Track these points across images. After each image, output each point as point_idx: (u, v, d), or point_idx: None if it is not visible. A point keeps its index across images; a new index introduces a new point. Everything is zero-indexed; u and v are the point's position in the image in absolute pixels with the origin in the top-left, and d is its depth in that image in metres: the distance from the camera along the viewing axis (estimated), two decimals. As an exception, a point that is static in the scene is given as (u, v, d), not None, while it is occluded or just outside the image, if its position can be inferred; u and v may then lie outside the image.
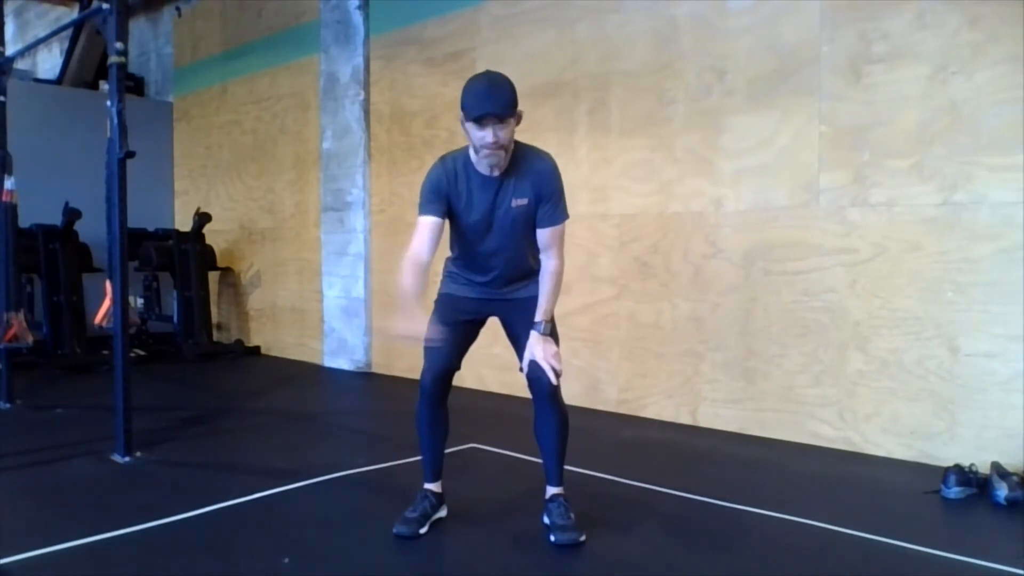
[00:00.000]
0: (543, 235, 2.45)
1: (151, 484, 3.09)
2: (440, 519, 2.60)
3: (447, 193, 2.43)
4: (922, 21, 3.30)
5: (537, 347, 2.41)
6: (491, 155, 2.33)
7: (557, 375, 2.41)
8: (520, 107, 2.35)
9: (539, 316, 2.43)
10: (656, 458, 3.53)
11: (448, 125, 5.23)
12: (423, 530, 2.52)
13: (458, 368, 2.57)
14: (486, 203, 2.43)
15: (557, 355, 2.43)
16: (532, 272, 2.52)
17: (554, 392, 2.46)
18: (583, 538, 2.41)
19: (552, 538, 2.43)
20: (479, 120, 2.28)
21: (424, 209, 2.43)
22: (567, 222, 2.48)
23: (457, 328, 2.54)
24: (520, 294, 2.55)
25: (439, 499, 2.63)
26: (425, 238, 2.41)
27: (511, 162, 2.40)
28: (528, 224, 2.46)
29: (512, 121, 2.32)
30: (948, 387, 3.25)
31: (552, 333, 2.46)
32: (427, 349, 2.49)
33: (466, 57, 5.08)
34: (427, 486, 2.61)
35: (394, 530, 2.49)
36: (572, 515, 2.48)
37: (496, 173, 2.40)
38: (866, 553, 2.39)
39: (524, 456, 3.26)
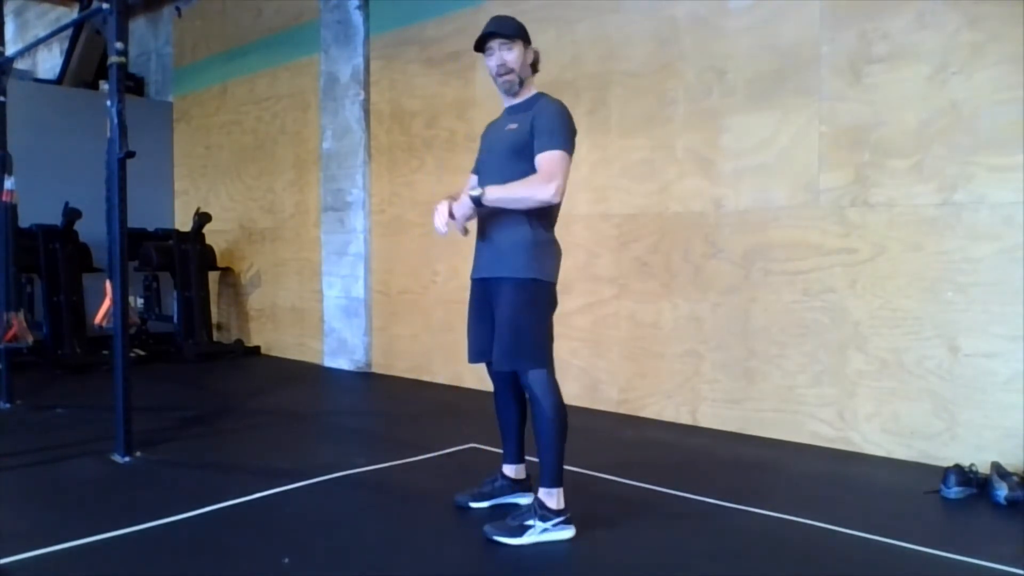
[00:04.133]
0: (536, 164, 2.45)
1: (151, 484, 3.09)
2: (517, 504, 2.65)
3: (481, 145, 2.76)
4: (922, 21, 3.30)
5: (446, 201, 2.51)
6: (503, 81, 2.57)
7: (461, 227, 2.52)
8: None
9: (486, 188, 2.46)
10: (656, 458, 3.52)
11: (448, 125, 5.23)
12: (475, 505, 2.74)
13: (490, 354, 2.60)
14: (495, 133, 2.66)
15: (451, 214, 2.48)
16: (513, 236, 2.49)
17: (528, 383, 2.49)
18: (500, 539, 2.43)
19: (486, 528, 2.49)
20: (486, 48, 2.56)
21: None
22: (564, 156, 2.43)
23: (474, 313, 2.67)
24: (494, 276, 2.54)
25: (511, 483, 2.76)
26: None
27: (527, 102, 2.59)
28: (514, 154, 2.49)
29: (518, 46, 2.55)
30: (948, 387, 3.26)
31: (477, 203, 2.43)
32: None
33: (466, 57, 5.07)
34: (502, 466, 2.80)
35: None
36: (516, 522, 2.46)
37: (513, 103, 2.62)
38: (866, 553, 2.39)
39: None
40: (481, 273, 2.63)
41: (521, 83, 2.59)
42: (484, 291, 2.62)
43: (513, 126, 2.54)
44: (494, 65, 2.57)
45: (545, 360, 2.50)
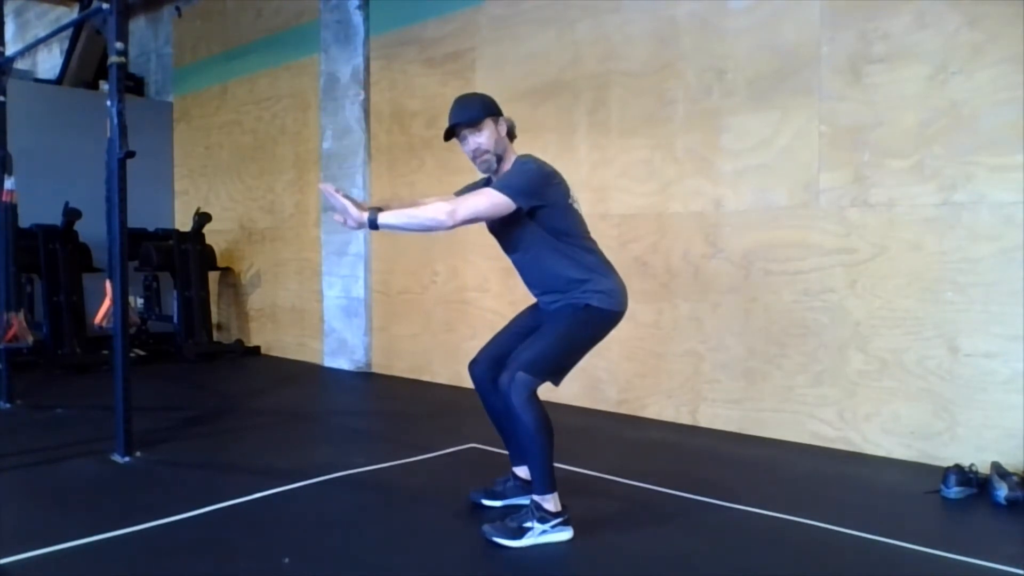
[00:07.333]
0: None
1: (151, 484, 3.09)
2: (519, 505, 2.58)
3: (476, 189, 2.66)
4: (922, 21, 3.30)
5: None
6: (479, 163, 2.59)
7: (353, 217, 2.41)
8: (509, 111, 2.54)
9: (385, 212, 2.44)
10: (656, 458, 3.53)
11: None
12: (488, 503, 2.75)
13: (499, 357, 2.57)
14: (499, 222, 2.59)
15: (345, 214, 2.41)
16: (565, 286, 2.52)
17: (508, 391, 2.41)
18: (498, 541, 2.42)
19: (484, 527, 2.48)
20: (456, 135, 2.57)
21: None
22: (502, 200, 2.40)
23: (511, 325, 2.72)
24: (552, 307, 2.58)
25: (522, 483, 2.70)
26: (445, 197, 2.66)
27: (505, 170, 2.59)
28: (518, 224, 2.51)
29: (485, 126, 2.53)
30: (948, 387, 3.25)
31: (373, 222, 2.39)
32: None
33: (466, 57, 5.08)
34: None
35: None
36: (515, 524, 2.45)
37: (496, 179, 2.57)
38: (866, 553, 2.39)
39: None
40: (542, 307, 2.67)
41: (499, 159, 2.57)
42: (535, 321, 2.64)
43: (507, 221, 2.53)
44: (469, 151, 2.56)
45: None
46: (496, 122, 2.55)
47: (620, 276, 2.62)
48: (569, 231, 2.54)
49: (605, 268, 2.59)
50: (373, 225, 2.41)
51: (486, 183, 2.63)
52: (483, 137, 2.52)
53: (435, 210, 2.40)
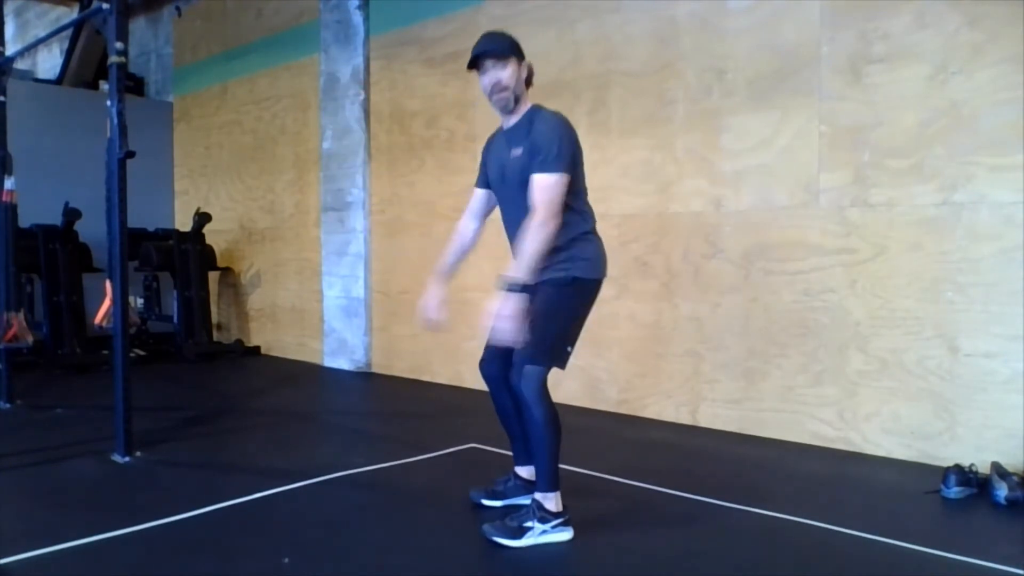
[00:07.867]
0: (531, 188, 2.42)
1: (151, 484, 3.09)
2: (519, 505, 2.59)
3: (485, 160, 2.71)
4: (922, 21, 3.30)
5: (492, 305, 2.34)
6: (497, 99, 2.53)
7: (523, 340, 2.33)
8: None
9: (510, 271, 2.35)
10: (656, 458, 3.52)
11: (448, 125, 5.23)
12: (488, 503, 2.74)
13: (505, 350, 2.49)
14: (501, 157, 2.58)
15: (514, 318, 2.30)
16: (550, 253, 2.45)
17: (520, 386, 2.41)
18: (498, 540, 2.41)
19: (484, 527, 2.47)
20: (479, 66, 2.52)
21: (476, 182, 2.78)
22: (559, 180, 2.40)
23: None
24: (540, 277, 2.49)
25: (524, 483, 2.71)
26: (467, 208, 2.77)
27: (524, 119, 2.54)
28: (527, 186, 2.45)
29: (511, 63, 2.50)
30: (948, 387, 3.25)
31: (526, 290, 2.32)
32: None
33: (466, 57, 5.03)
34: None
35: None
36: (515, 523, 2.44)
37: (512, 122, 2.56)
38: (866, 553, 2.39)
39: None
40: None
41: (517, 100, 2.54)
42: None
43: (518, 152, 2.50)
44: (488, 84, 2.51)
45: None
46: (520, 63, 2.54)
47: (601, 240, 2.62)
48: (573, 188, 2.52)
49: (591, 234, 2.59)
50: (521, 288, 2.32)
51: (491, 148, 2.66)
52: (506, 73, 2.49)
53: (537, 230, 2.35)
